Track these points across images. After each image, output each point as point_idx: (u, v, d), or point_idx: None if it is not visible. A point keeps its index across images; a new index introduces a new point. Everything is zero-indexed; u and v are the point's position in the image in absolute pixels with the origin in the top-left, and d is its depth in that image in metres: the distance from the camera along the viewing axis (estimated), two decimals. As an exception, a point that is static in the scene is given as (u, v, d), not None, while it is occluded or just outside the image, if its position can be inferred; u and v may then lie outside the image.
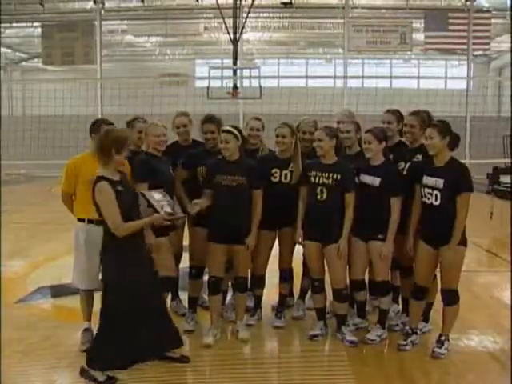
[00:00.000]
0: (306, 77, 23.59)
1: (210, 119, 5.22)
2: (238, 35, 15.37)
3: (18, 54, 23.54)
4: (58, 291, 6.39)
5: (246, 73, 15.55)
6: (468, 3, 16.32)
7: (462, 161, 4.86)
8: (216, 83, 15.27)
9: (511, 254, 7.26)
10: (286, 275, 5.38)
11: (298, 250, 5.23)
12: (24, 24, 19.39)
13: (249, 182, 4.80)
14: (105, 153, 4.08)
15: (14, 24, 19.04)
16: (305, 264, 5.41)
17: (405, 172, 4.95)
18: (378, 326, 5.00)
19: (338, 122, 5.33)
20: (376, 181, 4.77)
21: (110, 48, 21.10)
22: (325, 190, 4.79)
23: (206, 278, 5.20)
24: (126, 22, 20.04)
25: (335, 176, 4.77)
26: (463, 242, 4.56)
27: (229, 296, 5.60)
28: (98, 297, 4.43)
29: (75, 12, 18.25)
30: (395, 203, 4.74)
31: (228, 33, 15.48)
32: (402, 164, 5.00)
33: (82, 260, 4.63)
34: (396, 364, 4.57)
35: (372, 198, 4.76)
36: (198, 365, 4.52)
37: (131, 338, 4.06)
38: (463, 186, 4.48)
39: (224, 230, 4.78)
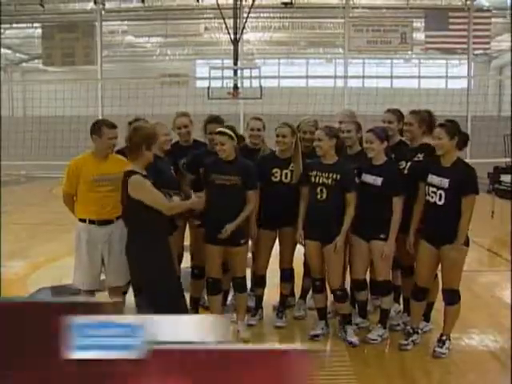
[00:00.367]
0: (307, 77, 23.57)
1: (214, 119, 5.24)
2: (238, 35, 15.39)
3: (18, 55, 23.54)
4: (59, 292, 6.38)
5: (246, 73, 15.56)
6: (468, 2, 16.31)
7: (463, 160, 4.85)
8: (216, 83, 15.28)
9: (511, 253, 7.26)
10: (286, 275, 5.38)
11: (299, 249, 5.24)
12: (24, 25, 19.42)
13: (244, 183, 4.80)
14: (135, 149, 4.17)
15: (15, 25, 19.06)
16: (306, 264, 5.41)
17: (406, 171, 4.96)
18: (379, 325, 5.00)
19: (340, 122, 5.33)
20: (378, 180, 4.77)
21: (110, 49, 21.10)
22: (324, 190, 4.79)
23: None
24: (126, 22, 20.05)
25: (335, 176, 4.77)
26: (466, 242, 4.55)
27: (230, 296, 5.60)
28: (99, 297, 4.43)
29: (75, 13, 18.26)
30: (397, 203, 4.73)
31: (228, 33, 15.49)
32: (403, 163, 4.99)
33: (84, 260, 4.63)
34: (397, 363, 4.57)
35: (374, 197, 4.76)
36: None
37: None
38: (469, 188, 4.47)
39: (219, 232, 4.76)
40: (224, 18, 15.26)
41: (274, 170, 5.07)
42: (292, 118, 5.94)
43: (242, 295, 5.12)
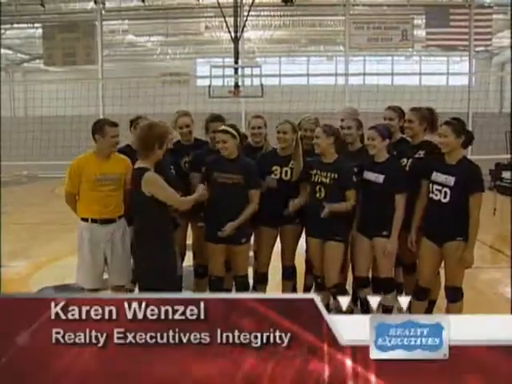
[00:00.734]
0: (308, 75, 23.56)
1: (216, 118, 5.22)
2: (238, 34, 15.40)
3: (19, 55, 23.55)
4: (62, 291, 6.39)
5: (247, 71, 15.56)
6: (469, -1, 16.32)
7: (465, 157, 4.84)
8: (217, 82, 15.28)
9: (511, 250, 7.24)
10: (288, 272, 5.36)
11: (301, 246, 5.23)
12: (25, 25, 19.42)
13: (246, 182, 4.79)
14: (147, 147, 4.16)
15: (15, 25, 19.07)
16: (308, 261, 5.40)
17: (407, 168, 4.94)
18: (381, 323, 4.99)
19: (342, 120, 5.32)
20: (380, 178, 4.76)
21: (111, 48, 21.10)
22: (323, 189, 4.79)
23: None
24: (126, 21, 20.03)
25: (332, 175, 4.76)
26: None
27: (232, 294, 5.60)
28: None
29: (76, 12, 18.27)
30: (400, 200, 4.72)
31: (229, 31, 15.51)
32: (404, 160, 4.98)
33: (86, 260, 4.64)
34: (400, 361, 4.56)
35: (376, 194, 4.75)
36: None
37: None
38: (475, 186, 4.46)
39: (220, 230, 4.75)
40: (224, 17, 15.27)
41: (274, 168, 5.05)
42: (293, 115, 5.93)
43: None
